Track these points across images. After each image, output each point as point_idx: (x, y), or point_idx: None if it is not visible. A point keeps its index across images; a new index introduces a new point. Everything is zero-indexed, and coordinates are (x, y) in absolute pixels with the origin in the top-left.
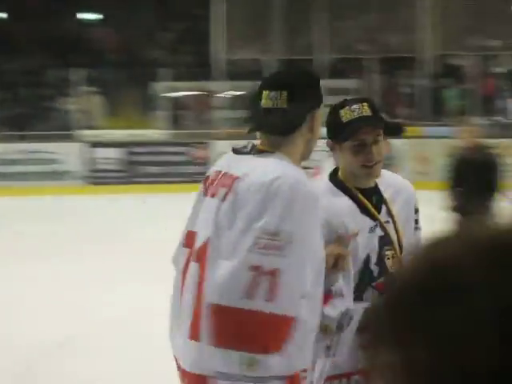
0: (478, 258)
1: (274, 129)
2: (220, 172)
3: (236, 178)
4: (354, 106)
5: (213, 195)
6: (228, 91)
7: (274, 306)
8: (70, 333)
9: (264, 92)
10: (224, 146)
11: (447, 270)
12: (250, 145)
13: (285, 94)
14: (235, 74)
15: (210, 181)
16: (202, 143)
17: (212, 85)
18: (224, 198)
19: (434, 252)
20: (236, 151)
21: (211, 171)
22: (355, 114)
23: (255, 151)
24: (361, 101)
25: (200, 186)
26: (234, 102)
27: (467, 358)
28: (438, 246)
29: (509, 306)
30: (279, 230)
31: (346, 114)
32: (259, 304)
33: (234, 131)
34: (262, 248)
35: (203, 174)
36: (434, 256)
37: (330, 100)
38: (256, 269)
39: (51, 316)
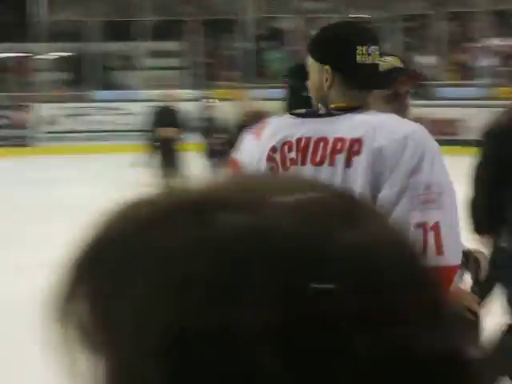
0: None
1: (378, 84)
2: (309, 138)
3: (356, 140)
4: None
5: (319, 163)
6: (49, 53)
7: (443, 258)
8: None
9: (360, 47)
10: (47, 108)
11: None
12: (322, 107)
13: (377, 48)
14: (56, 35)
15: (297, 148)
16: (22, 106)
17: (33, 46)
18: (349, 163)
19: (141, 207)
20: (312, 114)
21: (284, 140)
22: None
23: (338, 111)
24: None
25: (265, 162)
26: (56, 64)
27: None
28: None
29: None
30: (430, 183)
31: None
32: (432, 260)
33: (57, 93)
34: (423, 204)
35: (24, 137)
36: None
37: (153, 62)
38: (422, 226)
39: None
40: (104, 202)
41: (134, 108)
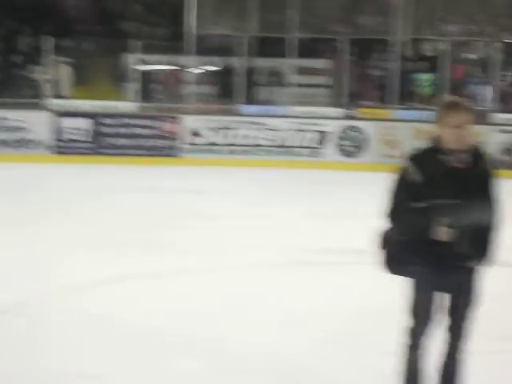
0: None
1: None
2: None
3: None
4: None
5: None
6: (199, 66)
7: None
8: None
9: None
10: (193, 120)
11: None
12: None
13: None
14: (207, 49)
15: None
16: (171, 117)
17: (183, 59)
18: None
19: None
20: None
21: None
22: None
23: None
24: None
25: None
26: (205, 78)
27: None
28: None
29: None
30: None
31: None
32: None
33: (204, 106)
34: None
35: (171, 148)
36: None
37: (299, 79)
38: None
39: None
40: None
41: (279, 124)
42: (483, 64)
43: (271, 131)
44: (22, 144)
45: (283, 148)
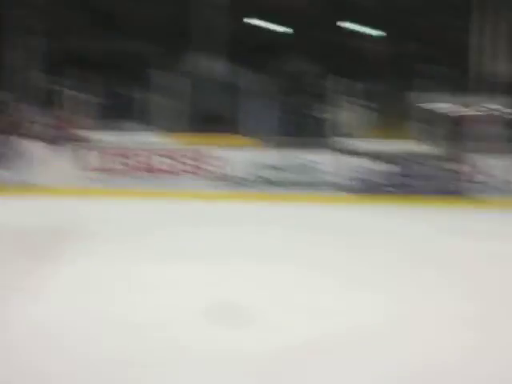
0: None
1: None
2: None
3: None
4: None
5: None
6: (486, 105)
7: None
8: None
9: None
10: (489, 160)
11: None
12: None
13: None
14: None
15: None
16: (466, 158)
17: (478, 99)
18: None
19: None
20: None
21: None
22: None
23: None
24: None
25: None
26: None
27: None
28: None
29: None
30: None
31: None
32: None
33: (499, 146)
34: None
35: (466, 189)
36: None
37: None
38: None
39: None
40: None
41: None
42: None
43: None
44: (314, 185)
45: None
